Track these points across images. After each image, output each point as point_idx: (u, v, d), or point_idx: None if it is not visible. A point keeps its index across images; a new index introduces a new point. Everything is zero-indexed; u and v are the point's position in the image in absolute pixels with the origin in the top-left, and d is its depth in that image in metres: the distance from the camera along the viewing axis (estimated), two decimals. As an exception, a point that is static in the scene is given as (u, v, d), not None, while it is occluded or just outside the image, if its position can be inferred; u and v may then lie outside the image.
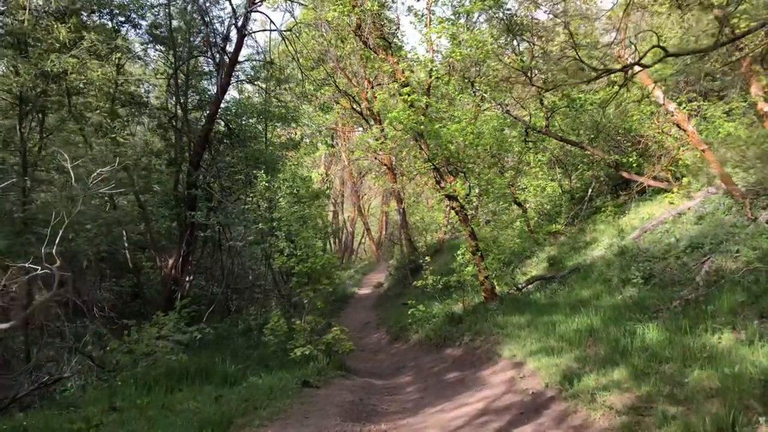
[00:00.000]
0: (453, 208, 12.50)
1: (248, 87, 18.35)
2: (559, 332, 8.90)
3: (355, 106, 22.04)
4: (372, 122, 20.77)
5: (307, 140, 25.26)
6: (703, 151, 11.82)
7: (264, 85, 16.32)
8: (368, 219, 49.55)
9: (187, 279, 13.70)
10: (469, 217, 13.17)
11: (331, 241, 47.52)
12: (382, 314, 18.22)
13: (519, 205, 18.44)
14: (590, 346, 8.02)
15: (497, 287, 12.92)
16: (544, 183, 20.22)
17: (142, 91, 14.54)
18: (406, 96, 11.18)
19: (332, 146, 30.98)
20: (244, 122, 15.23)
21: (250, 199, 11.68)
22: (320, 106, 23.08)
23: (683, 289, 9.11)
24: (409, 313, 12.92)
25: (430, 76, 15.25)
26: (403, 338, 13.21)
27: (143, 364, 8.89)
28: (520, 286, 13.73)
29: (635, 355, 6.87)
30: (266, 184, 11.29)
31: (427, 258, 13.38)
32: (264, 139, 15.52)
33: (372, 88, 18.74)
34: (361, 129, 29.34)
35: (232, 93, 17.96)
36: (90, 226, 11.22)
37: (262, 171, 11.32)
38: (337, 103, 24.30)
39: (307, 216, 10.32)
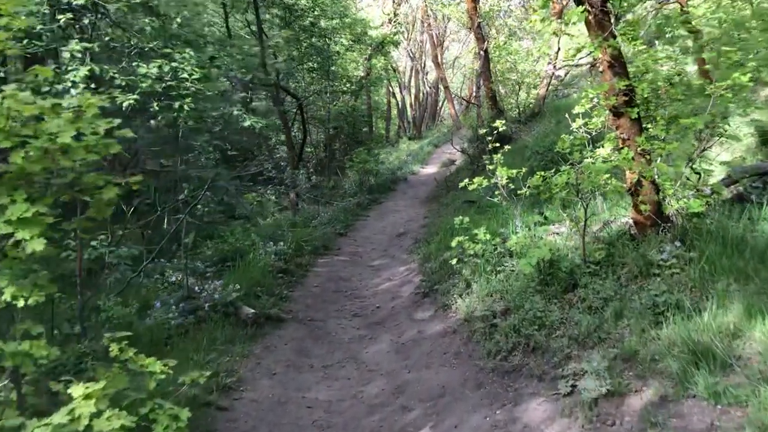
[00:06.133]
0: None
1: None
2: None
3: None
4: None
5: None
6: None
7: None
8: (453, 75, 40.58)
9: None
10: (614, 25, 5.38)
11: (409, 104, 39.79)
12: (431, 217, 11.15)
13: (690, 30, 9.92)
14: None
15: (669, 201, 5.32)
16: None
17: None
18: None
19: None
20: None
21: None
22: None
23: None
24: (453, 245, 5.79)
25: None
26: (439, 296, 6.20)
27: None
28: (709, 190, 5.96)
29: None
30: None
31: (498, 124, 5.84)
32: None
33: None
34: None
35: None
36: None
37: None
38: None
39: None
